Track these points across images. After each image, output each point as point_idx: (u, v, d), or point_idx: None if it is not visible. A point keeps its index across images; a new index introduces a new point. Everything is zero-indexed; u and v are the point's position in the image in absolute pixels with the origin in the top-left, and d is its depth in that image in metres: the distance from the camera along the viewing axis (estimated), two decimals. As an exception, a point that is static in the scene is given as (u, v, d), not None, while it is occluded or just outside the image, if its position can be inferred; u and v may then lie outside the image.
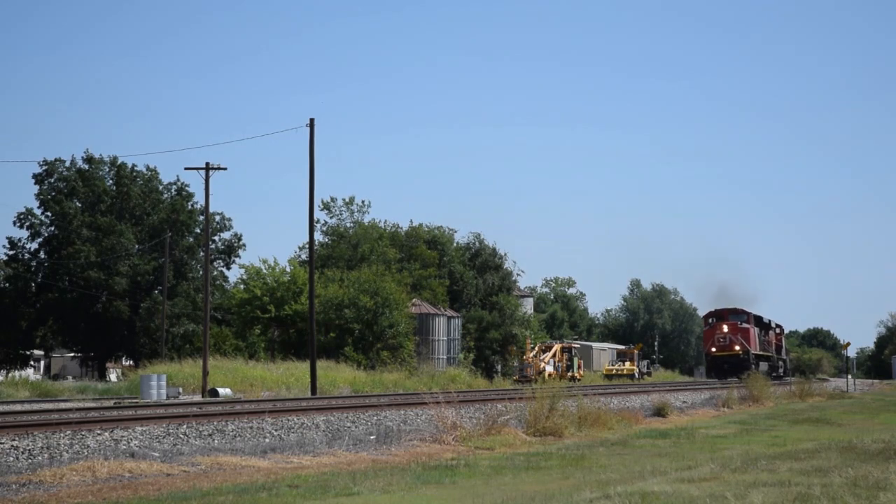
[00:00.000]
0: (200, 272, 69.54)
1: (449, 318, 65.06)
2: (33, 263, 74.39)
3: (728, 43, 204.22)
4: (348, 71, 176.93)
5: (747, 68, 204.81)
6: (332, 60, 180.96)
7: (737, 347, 58.31)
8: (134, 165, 76.31)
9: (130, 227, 72.83)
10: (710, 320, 62.21)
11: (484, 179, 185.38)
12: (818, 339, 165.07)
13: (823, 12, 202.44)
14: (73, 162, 74.46)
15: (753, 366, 55.12)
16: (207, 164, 45.16)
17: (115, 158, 75.85)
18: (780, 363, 71.23)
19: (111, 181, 75.70)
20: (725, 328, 59.03)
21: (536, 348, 64.78)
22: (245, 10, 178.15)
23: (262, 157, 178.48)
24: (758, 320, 64.22)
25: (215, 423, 17.00)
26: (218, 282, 75.17)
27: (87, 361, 76.93)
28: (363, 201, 78.82)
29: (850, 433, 20.04)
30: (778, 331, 71.84)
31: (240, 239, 77.49)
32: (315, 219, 41.67)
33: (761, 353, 62.70)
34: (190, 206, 76.03)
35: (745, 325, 59.74)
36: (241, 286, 63.03)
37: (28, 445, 13.85)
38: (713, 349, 59.67)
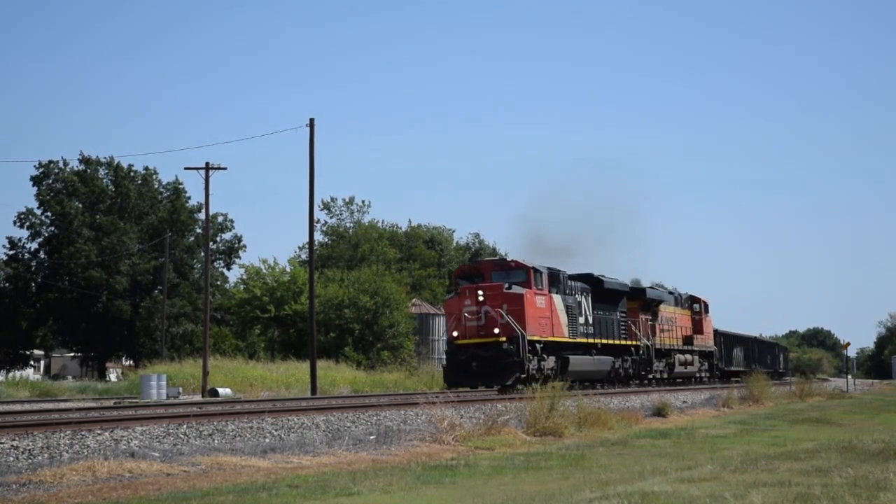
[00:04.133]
0: (200, 272, 69.53)
1: (449, 317, 64.51)
2: (33, 263, 74.42)
3: (725, 43, 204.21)
4: (348, 71, 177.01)
5: (745, 68, 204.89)
6: (332, 60, 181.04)
7: (496, 330, 30.47)
8: (131, 166, 76.38)
9: (131, 226, 72.85)
10: (459, 284, 33.17)
11: (483, 179, 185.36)
12: (818, 339, 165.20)
13: (822, 12, 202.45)
14: (65, 163, 74.42)
15: (534, 364, 31.22)
16: (207, 164, 45.22)
17: (112, 159, 75.91)
18: (701, 359, 49.80)
19: (109, 181, 75.73)
20: (480, 296, 31.07)
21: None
22: (245, 9, 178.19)
23: (262, 157, 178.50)
24: (634, 293, 41.33)
25: (215, 423, 17.01)
26: (218, 282, 75.19)
27: (87, 361, 76.97)
28: (363, 201, 78.98)
29: (850, 433, 20.03)
30: (697, 308, 50.05)
31: (240, 240, 77.54)
32: (315, 219, 41.70)
33: (627, 342, 39.36)
34: (189, 206, 76.05)
35: (520, 291, 31.36)
36: (241, 286, 63.05)
37: (28, 445, 13.85)
38: (455, 333, 31.47)
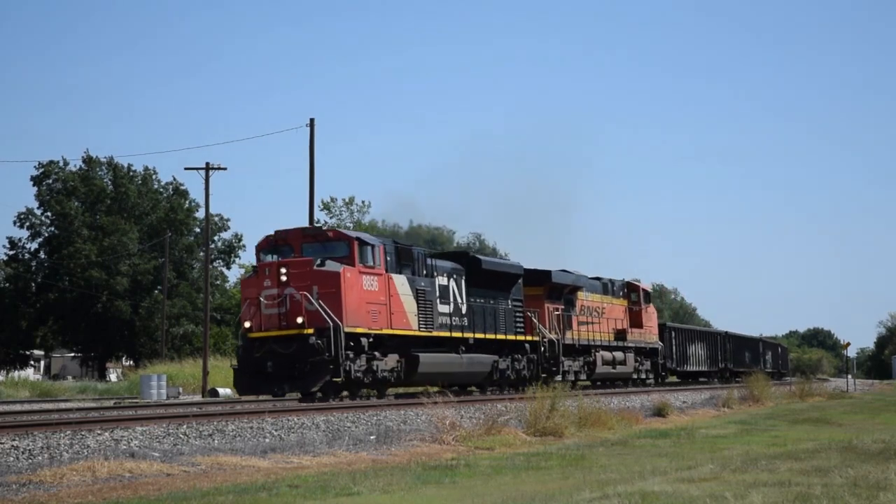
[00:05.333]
0: (200, 272, 69.54)
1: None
2: (33, 263, 74.46)
3: (731, 39, 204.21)
4: (348, 71, 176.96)
5: (753, 68, 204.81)
6: (333, 60, 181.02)
7: (299, 320, 23.35)
8: (130, 165, 76.46)
9: (131, 226, 72.90)
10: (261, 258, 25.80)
11: (483, 179, 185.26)
12: (818, 339, 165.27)
13: (834, 10, 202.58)
14: (65, 162, 74.51)
15: (360, 365, 24.51)
16: (207, 164, 45.31)
17: (112, 159, 75.99)
18: (640, 358, 42.62)
19: (109, 181, 75.80)
20: (283, 274, 23.69)
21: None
22: (245, 9, 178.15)
23: (262, 157, 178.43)
24: (534, 277, 34.41)
25: (215, 423, 17.00)
26: (218, 282, 75.20)
27: (87, 361, 76.99)
28: (363, 201, 78.92)
29: (850, 433, 20.04)
30: (635, 298, 42.89)
31: (240, 239, 77.57)
32: (315, 219, 41.69)
33: (521, 337, 32.22)
34: (188, 206, 76.07)
35: (335, 269, 23.99)
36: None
37: (28, 445, 13.84)
38: (247, 324, 24.07)
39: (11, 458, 13.21)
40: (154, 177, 77.16)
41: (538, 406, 19.81)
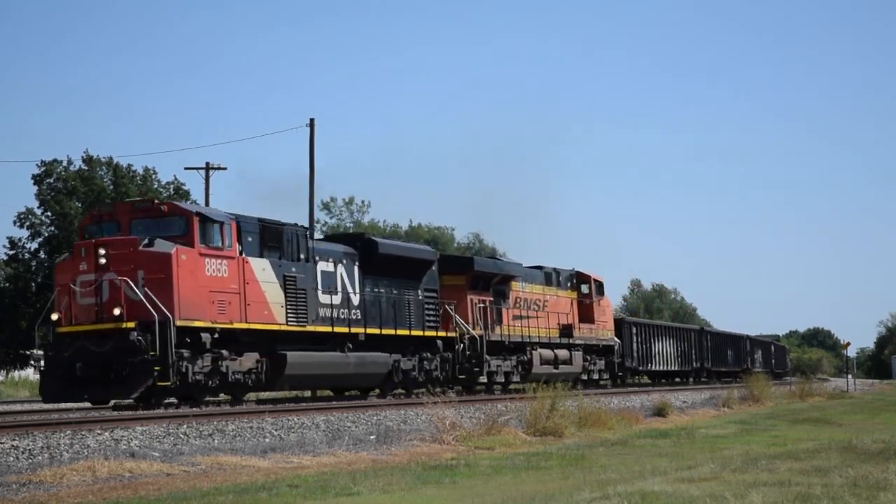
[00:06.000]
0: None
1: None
2: (33, 263, 74.42)
3: (731, 39, 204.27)
4: (348, 70, 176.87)
5: (753, 68, 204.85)
6: (333, 60, 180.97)
7: (117, 311, 19.19)
8: (130, 165, 76.50)
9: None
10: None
11: (483, 179, 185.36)
12: (818, 339, 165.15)
13: (834, 10, 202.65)
14: (69, 162, 74.60)
15: (201, 365, 20.69)
16: (207, 164, 45.36)
17: (111, 159, 76.01)
18: (590, 356, 37.56)
19: (109, 181, 75.83)
20: (102, 256, 19.57)
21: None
22: (245, 9, 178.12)
23: (262, 157, 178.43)
24: (452, 264, 31.14)
25: (215, 422, 17.00)
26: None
27: (87, 361, 76.94)
28: (363, 201, 78.79)
29: (850, 433, 20.06)
30: (586, 290, 37.82)
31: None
32: (315, 219, 41.70)
33: (432, 332, 28.21)
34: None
35: (166, 249, 19.99)
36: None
37: (28, 445, 13.85)
38: (54, 316, 20.25)
39: (11, 458, 13.22)
40: (154, 177, 77.17)
41: (538, 406, 19.84)
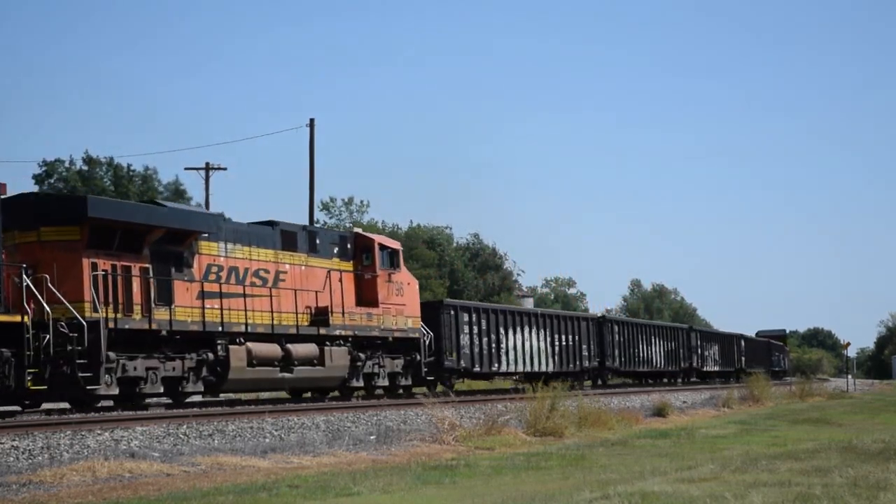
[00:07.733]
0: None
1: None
2: (33, 263, 74.53)
3: (731, 39, 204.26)
4: (348, 70, 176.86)
5: (753, 68, 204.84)
6: (333, 60, 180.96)
7: None
8: (130, 165, 76.55)
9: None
10: None
11: (483, 178, 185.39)
12: (818, 339, 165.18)
13: (834, 10, 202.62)
14: (72, 162, 74.69)
15: None
16: (207, 164, 45.35)
17: (111, 159, 76.07)
18: (376, 354, 26.80)
19: (109, 181, 75.87)
20: None
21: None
22: (245, 9, 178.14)
23: (262, 157, 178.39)
24: (66, 206, 20.87)
25: (215, 423, 17.02)
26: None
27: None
28: (362, 201, 78.76)
29: (850, 433, 20.06)
30: (368, 259, 26.84)
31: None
32: (315, 219, 41.72)
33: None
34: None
35: None
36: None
37: (28, 445, 13.86)
38: None
39: (11, 458, 13.22)
40: (154, 177, 77.25)
41: (538, 406, 19.85)
